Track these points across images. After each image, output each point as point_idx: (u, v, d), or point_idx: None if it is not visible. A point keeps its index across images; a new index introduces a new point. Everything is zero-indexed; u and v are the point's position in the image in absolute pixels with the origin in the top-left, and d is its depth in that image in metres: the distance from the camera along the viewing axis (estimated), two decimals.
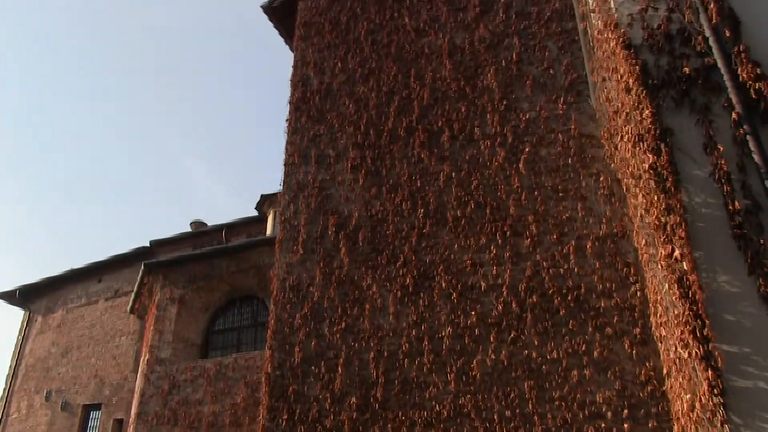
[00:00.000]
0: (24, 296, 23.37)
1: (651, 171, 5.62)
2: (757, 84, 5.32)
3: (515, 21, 10.42)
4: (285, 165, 10.81)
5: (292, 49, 12.80)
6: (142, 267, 14.89)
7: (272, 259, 10.16)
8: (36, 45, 57.81)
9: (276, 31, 14.47)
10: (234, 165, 63.64)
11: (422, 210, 9.27)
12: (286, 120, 11.39)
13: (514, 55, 10.06)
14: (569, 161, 8.85)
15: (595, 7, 7.51)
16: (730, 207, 5.18)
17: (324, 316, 9.04)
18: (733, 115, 5.41)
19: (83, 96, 59.09)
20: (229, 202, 61.41)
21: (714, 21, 5.72)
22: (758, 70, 5.36)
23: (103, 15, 56.62)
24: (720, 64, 5.59)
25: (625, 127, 6.64)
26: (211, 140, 62.08)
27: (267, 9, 14.07)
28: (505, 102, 9.69)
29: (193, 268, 14.41)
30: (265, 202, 19.60)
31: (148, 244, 21.14)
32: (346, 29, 11.95)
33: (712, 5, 5.77)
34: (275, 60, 64.45)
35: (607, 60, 7.14)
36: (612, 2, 6.51)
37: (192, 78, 61.92)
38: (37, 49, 58.06)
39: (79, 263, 23.32)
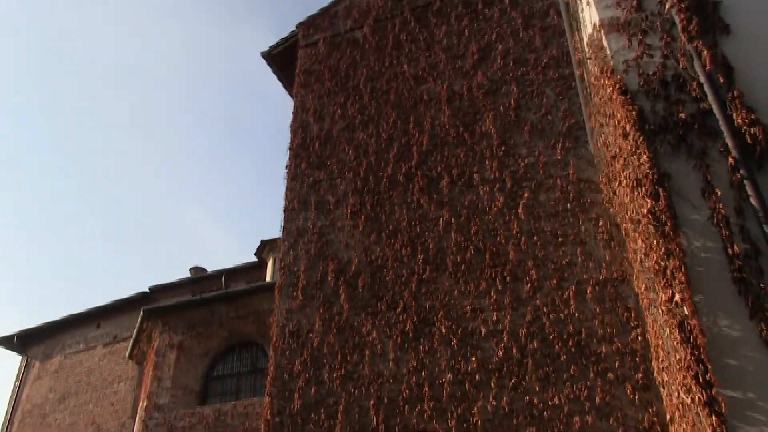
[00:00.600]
0: (22, 342, 23.22)
1: (650, 215, 5.63)
2: (752, 129, 5.35)
3: (513, 68, 10.55)
4: (285, 211, 10.87)
5: (292, 96, 12.96)
6: (141, 313, 14.81)
7: (272, 305, 10.15)
8: (33, 94, 58.39)
9: (276, 78, 14.68)
10: (234, 211, 63.75)
11: (422, 256, 9.28)
12: (286, 166, 11.49)
13: (512, 102, 10.15)
14: (568, 206, 8.87)
15: (591, 54, 7.60)
16: (730, 251, 5.17)
17: (324, 363, 8.99)
18: (730, 160, 5.43)
19: (82, 143, 59.50)
20: (228, 248, 61.29)
21: (708, 68, 5.78)
22: (753, 116, 5.40)
23: (100, 63, 57.27)
24: (715, 109, 5.63)
25: (623, 172, 6.67)
26: (210, 186, 62.31)
27: (267, 56, 14.29)
28: (503, 148, 9.75)
29: (193, 314, 14.34)
30: (265, 247, 19.59)
31: (147, 290, 21.08)
32: (346, 76, 12.11)
33: (705, 52, 5.84)
34: (275, 106, 64.99)
35: (604, 106, 7.21)
36: (608, 49, 6.59)
37: (191, 123, 62.40)
38: (35, 97, 58.64)
39: (78, 309, 23.24)
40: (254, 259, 20.14)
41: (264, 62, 14.41)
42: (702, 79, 5.82)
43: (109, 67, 57.28)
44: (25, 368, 23.08)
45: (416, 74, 11.36)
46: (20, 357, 23.65)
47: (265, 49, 14.26)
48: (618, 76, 6.34)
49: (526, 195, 9.17)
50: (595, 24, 7.08)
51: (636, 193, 6.06)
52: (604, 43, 6.69)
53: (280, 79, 14.67)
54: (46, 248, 58.09)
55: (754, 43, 5.89)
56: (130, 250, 58.27)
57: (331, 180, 10.81)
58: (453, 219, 9.41)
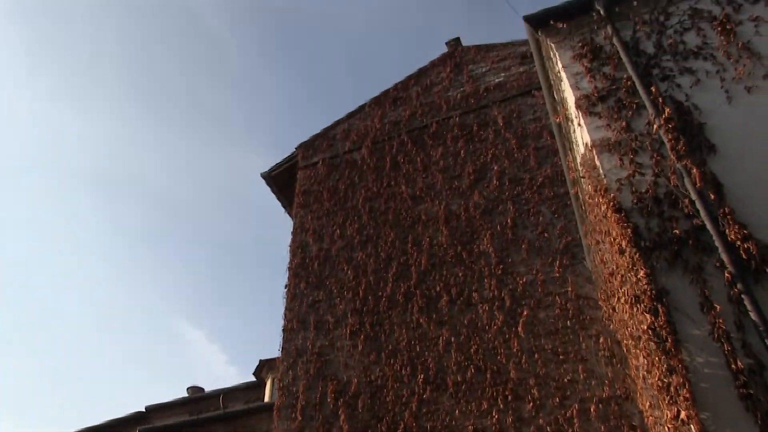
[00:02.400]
0: None
1: (650, 332, 5.61)
2: (745, 244, 5.42)
3: (509, 187, 10.74)
4: (284, 331, 10.83)
5: (291, 216, 13.13)
6: None
7: (271, 426, 9.98)
8: (36, 205, 59.04)
9: (275, 198, 14.89)
10: (232, 330, 63.28)
11: (422, 375, 9.17)
12: (285, 286, 11.52)
13: (509, 221, 10.29)
14: (568, 323, 8.85)
15: (584, 173, 7.75)
16: (733, 366, 5.13)
17: None
18: (726, 275, 5.47)
19: (81, 260, 59.70)
20: (226, 368, 60.48)
21: (698, 185, 5.91)
22: (745, 231, 5.48)
23: (99, 186, 58.19)
24: (708, 225, 5.71)
25: (621, 288, 6.69)
26: (208, 305, 62.13)
27: (267, 177, 14.56)
28: (501, 266, 9.82)
29: None
30: (264, 367, 19.39)
31: (143, 409, 20.71)
32: (345, 197, 12.31)
33: (694, 170, 5.97)
34: (274, 226, 65.61)
35: (599, 223, 7.30)
36: (600, 168, 6.73)
37: (189, 243, 62.79)
38: (36, 213, 59.25)
39: (73, 428, 22.69)
40: (253, 378, 19.91)
41: (263, 182, 14.68)
42: (693, 196, 5.94)
43: (108, 185, 58.11)
44: None
45: (414, 194, 11.56)
46: None
47: (265, 169, 14.58)
48: (612, 195, 6.45)
49: (525, 313, 9.16)
50: (587, 144, 7.27)
51: (635, 310, 6.06)
52: (597, 162, 6.84)
53: (279, 199, 14.90)
54: (41, 366, 57.24)
55: (740, 161, 6.04)
56: (127, 369, 57.44)
57: (331, 300, 10.81)
58: (453, 338, 9.36)
